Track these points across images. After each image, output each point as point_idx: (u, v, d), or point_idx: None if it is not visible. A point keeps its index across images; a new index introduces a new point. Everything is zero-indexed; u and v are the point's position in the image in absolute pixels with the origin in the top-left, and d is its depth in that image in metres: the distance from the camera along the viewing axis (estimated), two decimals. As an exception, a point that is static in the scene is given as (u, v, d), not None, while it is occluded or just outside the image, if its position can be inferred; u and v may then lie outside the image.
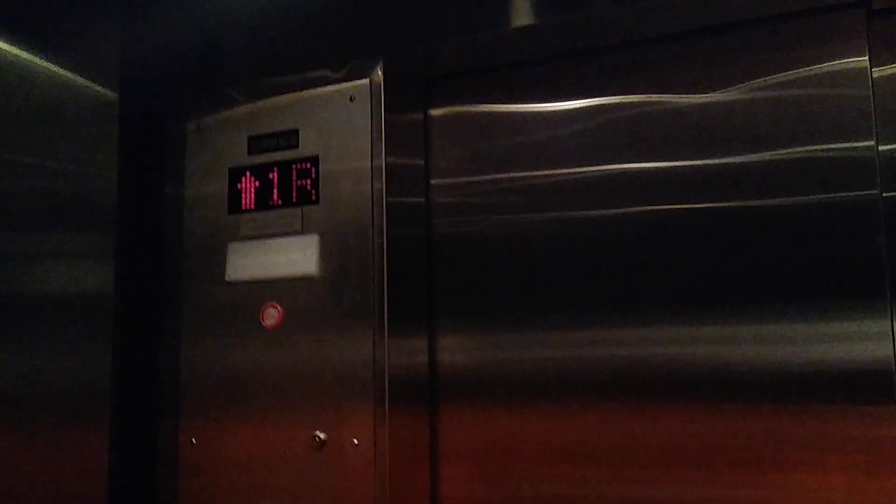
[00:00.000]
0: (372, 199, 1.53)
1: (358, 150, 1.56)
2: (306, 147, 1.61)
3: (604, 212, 1.58)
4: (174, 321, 1.68)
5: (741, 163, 1.49)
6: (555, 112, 1.65)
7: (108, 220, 1.57)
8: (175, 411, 1.65)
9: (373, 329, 1.50)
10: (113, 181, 1.58)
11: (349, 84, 1.59)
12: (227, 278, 1.64)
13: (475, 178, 1.70)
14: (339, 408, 1.50)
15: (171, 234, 1.72)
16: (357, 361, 1.50)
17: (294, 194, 1.61)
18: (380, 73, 1.58)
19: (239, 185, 1.67)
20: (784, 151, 1.45)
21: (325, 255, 1.56)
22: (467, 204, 1.69)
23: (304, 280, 1.57)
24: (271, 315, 1.58)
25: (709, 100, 1.52)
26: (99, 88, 1.58)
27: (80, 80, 1.54)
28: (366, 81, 1.58)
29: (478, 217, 1.68)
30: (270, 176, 1.64)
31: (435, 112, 1.75)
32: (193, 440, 1.62)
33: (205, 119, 1.73)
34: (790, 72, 1.47)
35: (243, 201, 1.66)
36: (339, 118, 1.59)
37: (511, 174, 1.67)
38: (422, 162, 1.71)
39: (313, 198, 1.59)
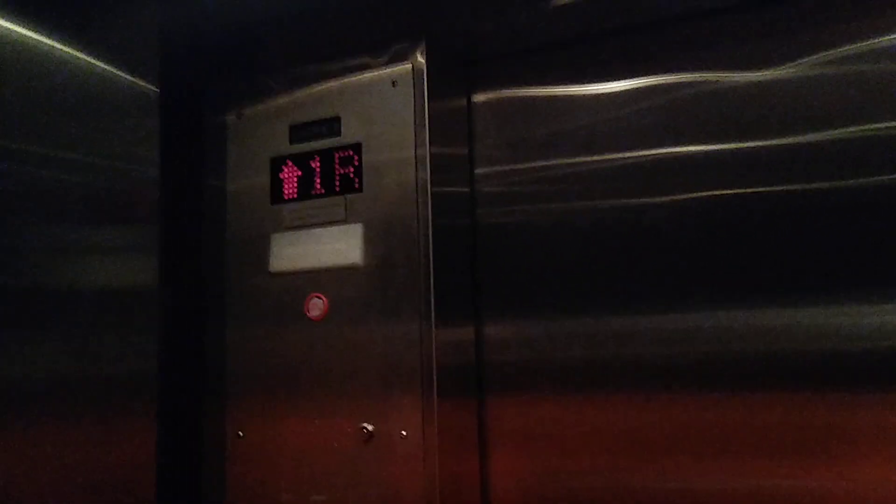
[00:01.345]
0: (416, 189, 1.50)
1: (401, 137, 1.53)
2: (348, 134, 1.59)
3: (654, 198, 1.53)
4: (219, 313, 1.67)
5: (801, 143, 1.42)
6: (601, 94, 1.60)
7: (151, 213, 1.55)
8: (221, 404, 1.64)
9: (419, 319, 1.47)
10: (155, 174, 1.56)
11: (391, 69, 1.56)
12: (270, 269, 1.62)
13: (520, 166, 1.65)
14: (387, 399, 1.48)
15: (214, 225, 1.70)
16: (404, 352, 1.47)
17: (337, 183, 1.58)
18: (421, 56, 1.54)
19: (281, 175, 1.64)
20: (846, 130, 1.39)
21: (370, 244, 1.53)
22: (513, 193, 1.65)
23: (348, 270, 1.54)
24: (316, 306, 1.56)
25: (765, 77, 1.46)
26: (139, 82, 1.56)
27: (119, 73, 1.53)
28: (408, 66, 1.54)
29: (523, 206, 1.64)
30: (312, 164, 1.61)
31: (477, 97, 1.71)
32: (240, 433, 1.61)
33: (245, 109, 1.71)
34: (851, 46, 1.40)
35: (285, 191, 1.64)
36: (382, 104, 1.56)
37: (557, 161, 1.62)
38: (465, 150, 1.68)
39: (356, 186, 1.56)
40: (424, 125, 1.50)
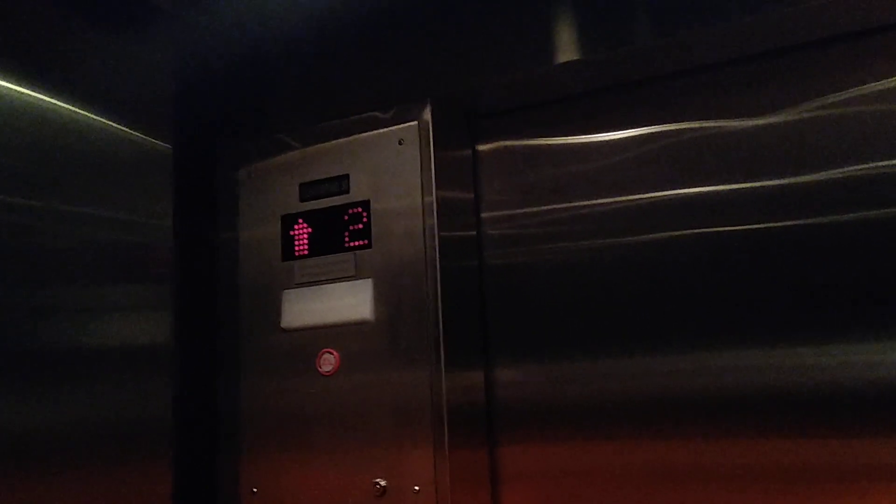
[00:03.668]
0: (424, 235, 1.53)
1: (408, 189, 1.56)
2: (357, 191, 1.62)
3: (656, 236, 1.55)
4: (231, 369, 1.69)
5: (796, 183, 1.45)
6: (603, 142, 1.63)
7: (165, 270, 1.59)
8: (235, 459, 1.65)
9: (430, 367, 1.49)
10: (169, 231, 1.61)
11: (398, 127, 1.60)
12: (283, 325, 1.64)
13: (525, 210, 1.68)
14: (399, 452, 1.48)
15: (226, 282, 1.73)
16: (415, 404, 1.49)
17: (346, 239, 1.61)
18: (428, 113, 1.58)
19: (292, 232, 1.68)
20: (839, 170, 1.42)
21: (380, 298, 1.56)
22: (518, 235, 1.68)
23: (359, 325, 1.56)
24: (328, 361, 1.58)
25: (761, 123, 1.49)
26: (153, 141, 1.61)
27: (134, 134, 1.58)
28: (414, 123, 1.58)
29: (528, 248, 1.67)
30: (322, 222, 1.64)
31: (482, 147, 1.75)
32: (254, 489, 1.62)
33: (256, 167, 1.75)
34: (842, 92, 1.44)
35: (296, 248, 1.67)
36: (389, 161, 1.60)
37: (561, 204, 1.65)
38: (472, 195, 1.71)
39: (366, 242, 1.59)
40: (431, 175, 1.54)
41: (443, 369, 1.47)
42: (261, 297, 1.69)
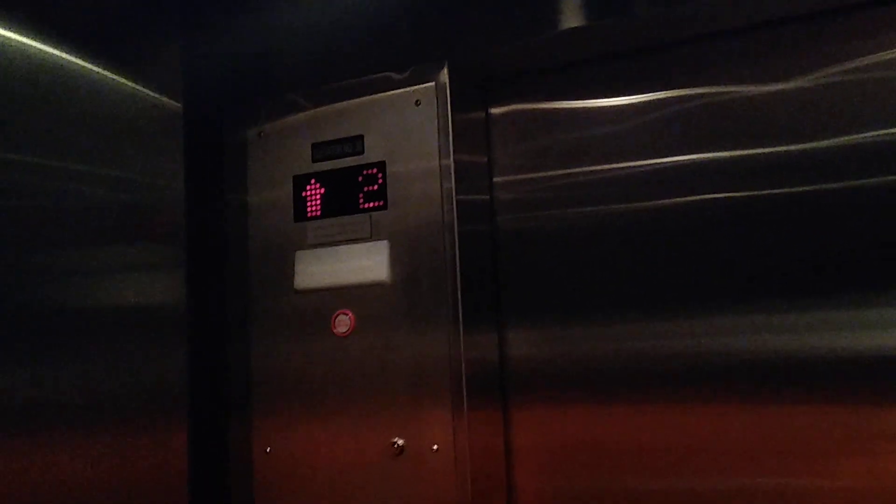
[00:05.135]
0: (441, 198, 1.52)
1: (425, 151, 1.56)
2: (372, 152, 1.61)
3: (670, 201, 1.57)
4: (244, 330, 1.68)
5: (807, 149, 1.47)
6: (617, 107, 1.63)
7: (177, 231, 1.57)
8: (248, 420, 1.66)
9: (447, 330, 1.49)
10: (180, 191, 1.58)
11: (414, 88, 1.59)
12: (296, 287, 1.64)
13: (538, 175, 1.69)
14: (417, 413, 1.50)
15: (237, 242, 1.72)
16: (432, 365, 1.49)
17: (361, 200, 1.60)
18: (444, 75, 1.57)
19: (304, 193, 1.66)
20: (851, 137, 1.44)
21: (396, 260, 1.56)
22: (531, 199, 1.68)
23: (375, 286, 1.56)
24: (343, 322, 1.58)
25: (774, 89, 1.50)
26: (163, 99, 1.58)
27: (145, 91, 1.54)
28: (431, 84, 1.57)
29: (541, 212, 1.67)
30: (336, 183, 1.63)
31: (495, 111, 1.74)
32: (268, 449, 1.63)
33: (266, 126, 1.73)
34: (855, 60, 1.45)
35: (309, 209, 1.65)
36: (405, 122, 1.58)
37: (574, 169, 1.65)
38: (485, 160, 1.70)
39: (381, 203, 1.58)
40: (448, 137, 1.53)
41: (461, 331, 1.48)
42: (273, 259, 1.68)
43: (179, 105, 1.61)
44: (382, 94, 1.62)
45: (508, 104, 1.73)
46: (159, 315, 1.51)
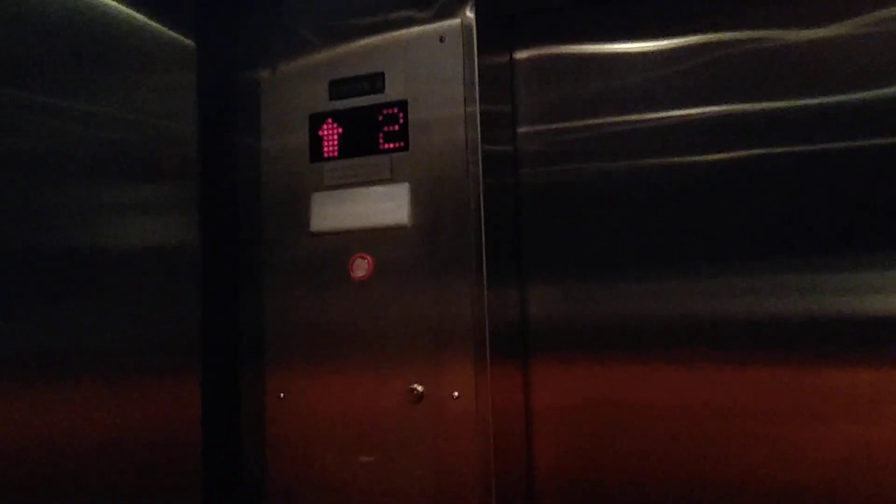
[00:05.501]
0: (466, 147, 1.47)
1: (450, 95, 1.50)
2: (393, 91, 1.55)
3: (703, 157, 1.52)
4: (257, 274, 1.64)
5: (850, 101, 1.42)
6: (647, 52, 1.58)
7: (190, 171, 1.51)
8: (261, 365, 1.62)
9: (470, 280, 1.45)
10: (192, 131, 1.52)
11: (439, 24, 1.52)
12: (311, 229, 1.59)
13: (564, 125, 1.63)
14: (437, 360, 1.46)
15: (251, 184, 1.66)
16: (454, 312, 1.46)
17: (381, 141, 1.54)
18: (470, 11, 1.50)
19: (320, 133, 1.60)
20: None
21: (417, 203, 1.51)
22: (557, 152, 1.63)
23: (395, 230, 1.52)
24: (361, 266, 1.53)
25: (815, 35, 1.44)
26: (177, 35, 1.51)
27: (157, 25, 1.47)
28: (457, 21, 1.50)
29: (567, 165, 1.62)
30: (354, 122, 1.57)
31: (519, 55, 1.68)
32: (281, 394, 1.59)
33: (281, 64, 1.66)
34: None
35: (325, 149, 1.60)
36: (429, 61, 1.52)
37: (602, 119, 1.60)
38: (509, 108, 1.64)
39: (402, 144, 1.52)
40: (474, 82, 1.47)
41: (485, 282, 1.44)
42: (287, 201, 1.62)
43: (192, 42, 1.54)
44: (405, 31, 1.55)
45: (534, 47, 1.67)
46: (172, 258, 1.46)
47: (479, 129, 1.46)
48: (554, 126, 1.63)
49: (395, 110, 1.53)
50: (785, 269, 1.44)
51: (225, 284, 1.62)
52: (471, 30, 1.49)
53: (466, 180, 1.45)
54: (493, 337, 1.44)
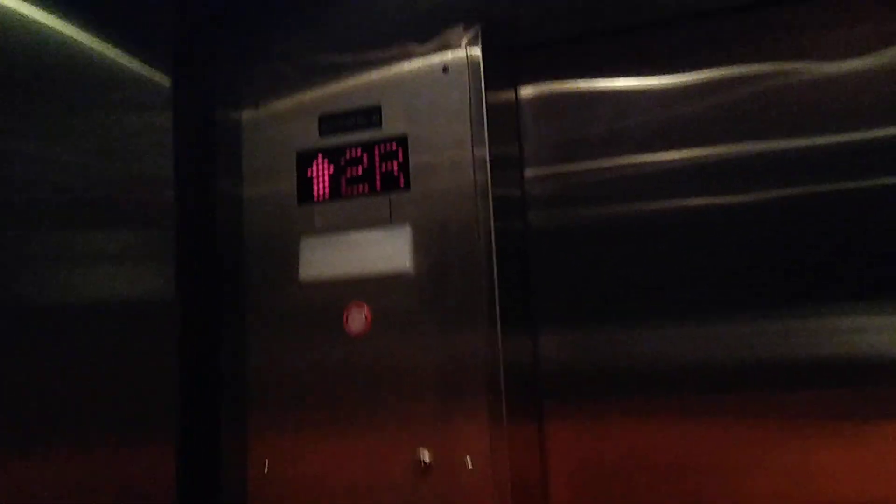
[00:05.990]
0: (476, 191, 1.33)
1: (455, 131, 1.37)
2: (391, 126, 1.41)
3: (722, 199, 1.40)
4: (240, 328, 1.46)
5: (888, 137, 1.31)
6: (664, 88, 1.47)
7: (166, 218, 1.36)
8: (244, 430, 1.44)
9: (482, 330, 1.30)
10: (169, 175, 1.37)
11: (441, 55, 1.39)
12: (300, 278, 1.43)
13: (574, 167, 1.50)
14: (446, 420, 1.30)
15: (233, 229, 1.50)
16: (465, 366, 1.31)
17: (378, 180, 1.40)
18: (475, 43, 1.38)
19: (309, 172, 1.46)
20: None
21: (420, 248, 1.36)
22: (566, 195, 1.50)
23: (395, 278, 1.37)
24: (357, 318, 1.37)
25: (849, 68, 1.35)
26: (152, 72, 1.36)
27: (132, 61, 1.33)
28: (461, 54, 1.38)
29: (577, 209, 1.49)
30: (348, 159, 1.43)
31: (525, 91, 1.56)
32: (266, 463, 1.41)
33: (265, 97, 1.52)
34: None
35: (316, 190, 1.45)
36: (431, 93, 1.39)
37: (614, 161, 1.48)
38: (515, 149, 1.52)
39: (402, 183, 1.38)
40: (482, 120, 1.34)
41: (499, 331, 1.29)
42: (274, 247, 1.47)
43: (168, 80, 1.40)
44: (404, 63, 1.42)
45: (540, 83, 1.55)
46: (146, 312, 1.30)
47: (489, 171, 1.33)
48: (563, 168, 1.51)
49: (394, 146, 1.39)
50: (817, 313, 1.32)
51: (204, 340, 1.45)
52: (477, 65, 1.36)
53: (476, 224, 1.31)
54: (508, 392, 1.29)
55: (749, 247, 1.37)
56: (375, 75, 1.44)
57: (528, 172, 1.52)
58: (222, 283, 1.48)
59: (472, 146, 1.34)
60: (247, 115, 1.53)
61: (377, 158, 1.41)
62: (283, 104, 1.50)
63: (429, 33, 1.41)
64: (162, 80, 1.39)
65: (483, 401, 1.28)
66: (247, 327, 1.46)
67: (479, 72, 1.36)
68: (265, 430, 1.42)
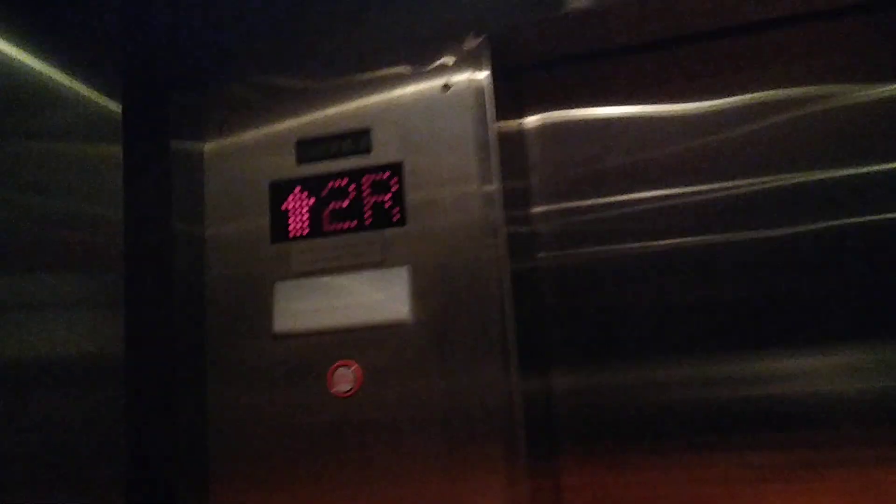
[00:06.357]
0: (488, 226, 1.15)
1: (458, 159, 1.18)
2: (383, 151, 1.22)
3: (745, 235, 1.25)
4: (200, 389, 1.23)
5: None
6: (685, 115, 1.31)
7: (114, 262, 1.13)
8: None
9: (498, 380, 1.10)
10: (118, 211, 1.15)
11: (441, 74, 1.22)
12: (275, 330, 1.21)
13: (586, 203, 1.34)
14: (456, 493, 1.09)
15: (192, 274, 1.28)
16: (475, 419, 1.11)
17: (368, 214, 1.20)
18: (480, 60, 1.21)
19: (285, 205, 1.25)
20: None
21: (420, 292, 1.16)
22: (577, 233, 1.33)
23: (391, 328, 1.16)
24: (345, 378, 1.16)
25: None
26: (100, 97, 1.15)
27: (77, 84, 1.12)
28: (465, 76, 1.20)
29: (589, 248, 1.32)
30: (331, 189, 1.23)
31: (531, 119, 1.39)
32: (233, 556, 1.17)
33: (231, 121, 1.31)
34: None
35: (292, 226, 1.24)
36: (429, 115, 1.21)
37: (628, 195, 1.32)
38: (522, 182, 1.34)
39: (396, 218, 1.19)
40: (488, 147, 1.16)
41: (516, 376, 1.10)
42: (241, 293, 1.25)
43: (118, 104, 1.19)
44: (397, 80, 1.24)
45: (548, 110, 1.38)
46: (86, 367, 1.06)
47: (502, 202, 1.14)
48: (574, 204, 1.33)
49: (387, 175, 1.20)
50: (848, 350, 1.17)
51: (159, 401, 1.21)
52: (482, 87, 1.19)
53: (488, 264, 1.12)
54: (530, 446, 1.10)
55: (773, 284, 1.22)
56: (364, 96, 1.25)
57: (537, 209, 1.35)
58: (179, 334, 1.25)
59: (480, 176, 1.16)
60: (209, 144, 1.32)
61: (366, 189, 1.21)
62: (252, 130, 1.30)
63: (426, 51, 1.24)
64: (112, 106, 1.18)
65: (499, 462, 1.08)
66: (209, 388, 1.22)
67: (485, 93, 1.19)
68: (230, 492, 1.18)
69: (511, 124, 1.34)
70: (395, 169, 1.20)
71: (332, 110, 1.26)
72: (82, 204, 1.11)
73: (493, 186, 1.15)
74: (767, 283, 1.23)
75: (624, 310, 1.30)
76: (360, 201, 1.21)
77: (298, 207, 1.24)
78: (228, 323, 1.24)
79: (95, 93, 1.17)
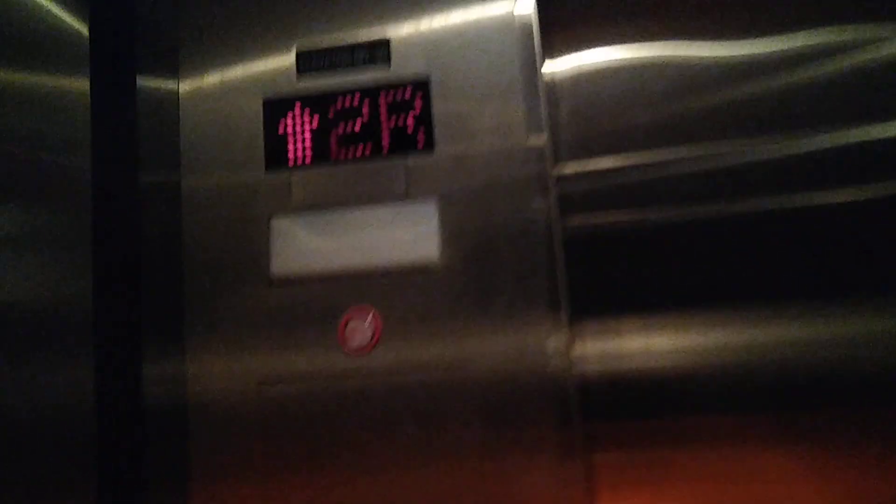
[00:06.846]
0: (531, 152, 0.98)
1: (494, 62, 1.00)
2: (404, 64, 1.02)
3: (802, 198, 1.11)
4: (179, 346, 1.02)
5: None
6: (737, 60, 1.16)
7: (82, 195, 0.91)
8: (184, 479, 1.00)
9: (548, 335, 0.93)
10: (85, 135, 0.93)
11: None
12: (272, 273, 1.01)
13: (616, 163, 1.17)
14: (500, 468, 0.92)
15: (170, 210, 1.06)
16: (526, 390, 0.93)
17: (386, 138, 1.01)
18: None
19: (282, 127, 1.04)
20: None
21: (451, 229, 0.98)
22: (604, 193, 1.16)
23: (416, 272, 0.98)
24: (360, 330, 0.97)
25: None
26: (67, 16, 0.93)
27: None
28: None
29: (618, 211, 1.16)
30: (341, 109, 1.03)
31: (553, 64, 1.20)
32: (221, 542, 0.97)
33: (213, 24, 1.09)
34: None
35: (292, 151, 1.04)
36: (461, 25, 1.02)
37: (665, 151, 1.16)
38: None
39: (421, 144, 1.00)
40: (533, 63, 0.99)
41: (570, 337, 0.93)
42: (229, 230, 1.04)
43: (85, 24, 0.96)
44: (418, -20, 1.04)
45: (578, 48, 1.19)
46: (48, 319, 0.84)
47: (548, 123, 0.97)
48: (605, 163, 1.16)
49: (408, 93, 1.01)
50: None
51: (132, 360, 0.99)
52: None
53: (532, 195, 0.95)
54: (583, 418, 0.93)
55: (833, 249, 1.09)
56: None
57: (565, 169, 1.17)
58: (159, 283, 1.04)
59: (524, 95, 0.98)
60: (189, 45, 1.10)
61: (384, 109, 1.02)
62: (241, 35, 1.08)
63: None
64: (77, 28, 0.95)
65: (551, 432, 0.92)
66: (188, 344, 1.02)
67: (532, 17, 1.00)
68: (209, 478, 0.99)
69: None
70: (420, 85, 1.01)
71: (341, 9, 1.05)
72: (43, 130, 0.89)
73: (540, 106, 0.98)
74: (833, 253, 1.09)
75: (655, 276, 1.14)
76: (377, 123, 1.02)
77: (299, 129, 1.04)
78: (212, 264, 1.03)
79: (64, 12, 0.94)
